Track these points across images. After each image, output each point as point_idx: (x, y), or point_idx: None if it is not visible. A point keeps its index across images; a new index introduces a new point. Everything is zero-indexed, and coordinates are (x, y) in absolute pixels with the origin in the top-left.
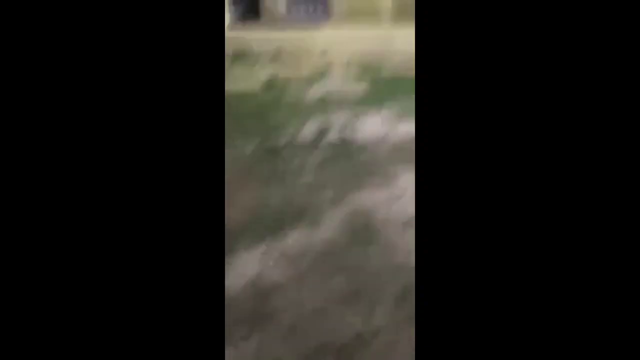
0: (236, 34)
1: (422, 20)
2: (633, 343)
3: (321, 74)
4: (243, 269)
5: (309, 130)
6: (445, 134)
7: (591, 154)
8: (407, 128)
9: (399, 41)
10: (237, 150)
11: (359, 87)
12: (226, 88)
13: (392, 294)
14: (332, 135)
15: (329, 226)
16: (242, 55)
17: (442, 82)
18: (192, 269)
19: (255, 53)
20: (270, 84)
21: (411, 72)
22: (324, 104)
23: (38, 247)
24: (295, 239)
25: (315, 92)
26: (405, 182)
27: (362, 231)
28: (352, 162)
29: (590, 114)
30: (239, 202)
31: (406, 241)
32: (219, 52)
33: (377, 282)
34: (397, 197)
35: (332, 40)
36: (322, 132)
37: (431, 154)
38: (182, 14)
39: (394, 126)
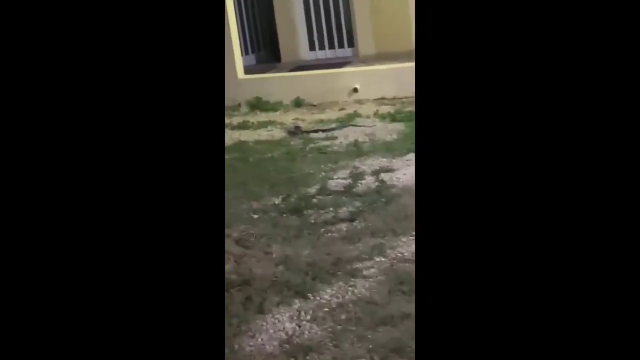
0: (255, 79)
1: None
2: (633, 343)
3: (350, 116)
4: (277, 326)
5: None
6: (445, 136)
7: (588, 153)
8: None
9: None
10: (263, 203)
11: (394, 128)
12: (247, 138)
13: None
14: (367, 182)
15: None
16: (262, 101)
17: (442, 83)
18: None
19: (277, 97)
20: (294, 130)
21: None
22: (356, 149)
23: (40, 233)
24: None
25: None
26: None
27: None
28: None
29: (581, 119)
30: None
31: None
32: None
33: None
34: None
35: (361, 79)
36: (355, 179)
37: (431, 154)
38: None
39: None
